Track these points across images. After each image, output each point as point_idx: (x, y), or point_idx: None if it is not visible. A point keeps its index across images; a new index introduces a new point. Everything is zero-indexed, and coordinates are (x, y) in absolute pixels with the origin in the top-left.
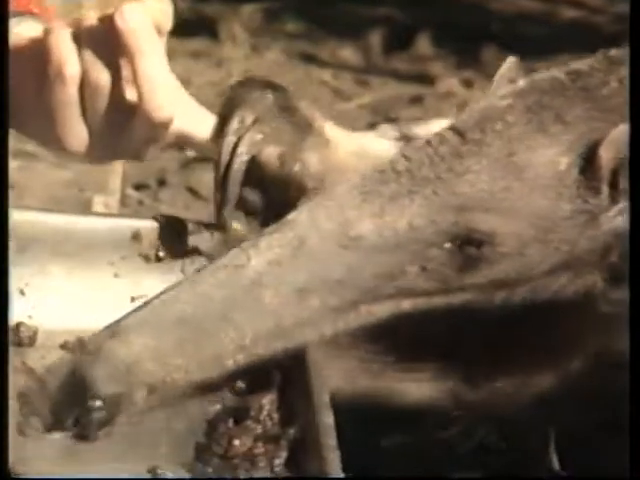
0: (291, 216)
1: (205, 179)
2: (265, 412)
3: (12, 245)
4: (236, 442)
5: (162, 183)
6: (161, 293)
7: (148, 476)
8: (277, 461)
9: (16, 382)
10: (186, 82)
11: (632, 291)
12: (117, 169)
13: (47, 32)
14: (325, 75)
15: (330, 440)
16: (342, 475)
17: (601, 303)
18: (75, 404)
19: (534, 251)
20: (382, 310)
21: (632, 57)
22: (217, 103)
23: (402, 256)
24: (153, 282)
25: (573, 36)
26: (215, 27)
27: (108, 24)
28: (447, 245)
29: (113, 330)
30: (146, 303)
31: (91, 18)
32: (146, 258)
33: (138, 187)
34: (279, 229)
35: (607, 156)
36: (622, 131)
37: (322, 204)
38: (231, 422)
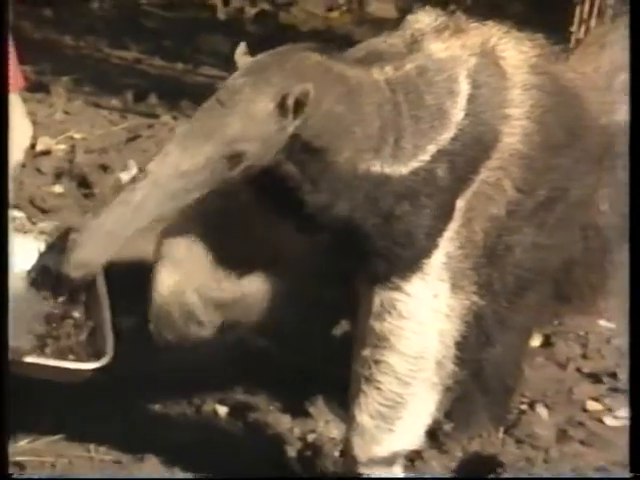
0: (150, 166)
1: None
2: (77, 313)
3: None
4: (60, 329)
5: None
6: (97, 216)
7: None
8: (81, 337)
9: None
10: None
11: (632, 291)
12: None
13: None
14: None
15: (107, 326)
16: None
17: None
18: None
19: (255, 156)
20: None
21: (632, 55)
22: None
23: (206, 173)
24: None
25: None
26: (48, 88)
27: None
28: (224, 160)
29: (75, 241)
30: (90, 223)
31: None
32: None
33: None
34: (146, 175)
35: (290, 101)
36: (299, 88)
37: (164, 154)
38: (57, 319)
